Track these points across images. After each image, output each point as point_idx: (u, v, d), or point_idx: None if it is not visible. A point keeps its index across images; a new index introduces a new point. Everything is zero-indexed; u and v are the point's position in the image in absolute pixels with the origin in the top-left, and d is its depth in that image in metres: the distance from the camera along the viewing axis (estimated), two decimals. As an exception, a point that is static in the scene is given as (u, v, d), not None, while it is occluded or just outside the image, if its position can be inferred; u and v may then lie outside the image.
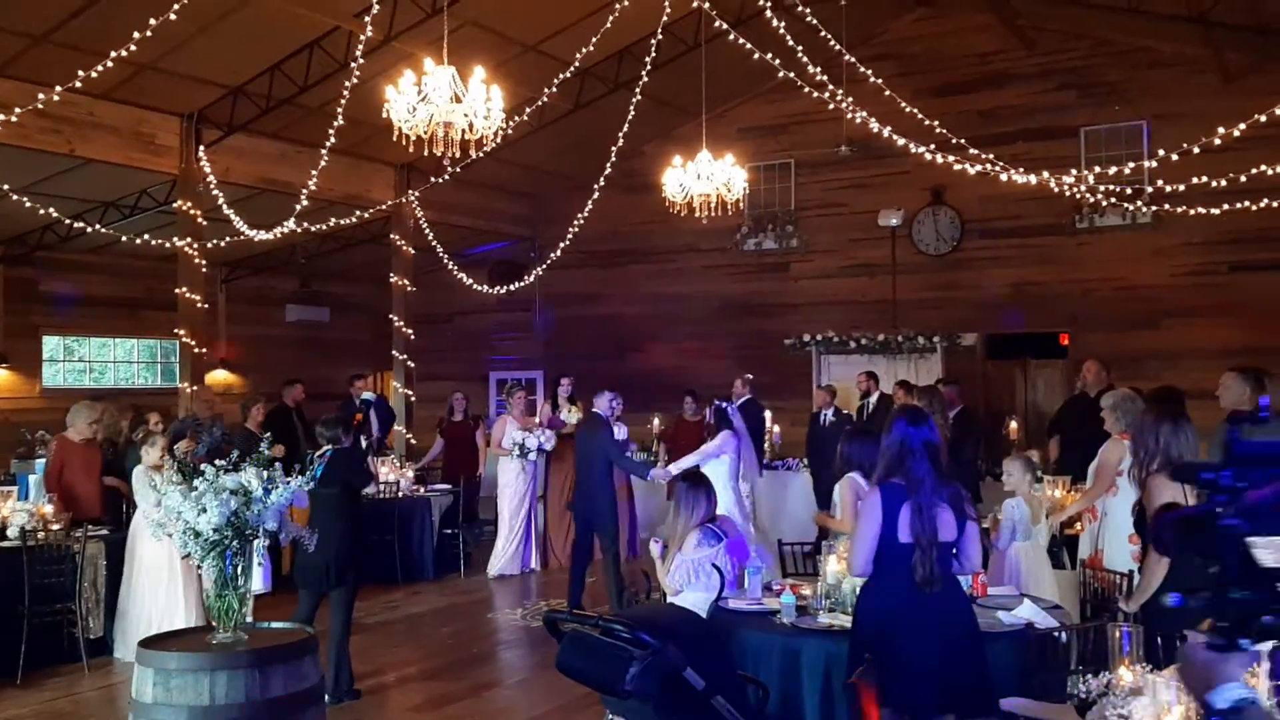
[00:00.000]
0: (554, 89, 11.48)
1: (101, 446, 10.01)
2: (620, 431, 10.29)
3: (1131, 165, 10.62)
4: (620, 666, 3.43)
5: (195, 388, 11.86)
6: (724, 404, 9.70)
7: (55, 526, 7.68)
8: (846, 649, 4.61)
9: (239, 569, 4.34)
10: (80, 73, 9.18)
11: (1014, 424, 12.12)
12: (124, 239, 13.05)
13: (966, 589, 5.16)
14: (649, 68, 10.94)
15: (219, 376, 16.11)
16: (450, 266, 14.75)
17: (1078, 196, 12.07)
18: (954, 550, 4.37)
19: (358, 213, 13.50)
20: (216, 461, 4.39)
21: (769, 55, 10.29)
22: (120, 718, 6.12)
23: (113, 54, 9.12)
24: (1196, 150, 9.39)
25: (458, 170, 12.14)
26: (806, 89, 10.57)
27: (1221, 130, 9.13)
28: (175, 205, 12.20)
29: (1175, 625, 3.73)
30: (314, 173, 11.09)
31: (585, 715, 6.23)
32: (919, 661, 4.13)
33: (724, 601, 5.35)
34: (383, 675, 7.57)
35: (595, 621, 3.68)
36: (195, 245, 12.01)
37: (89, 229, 12.59)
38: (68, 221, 12.39)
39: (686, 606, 4.91)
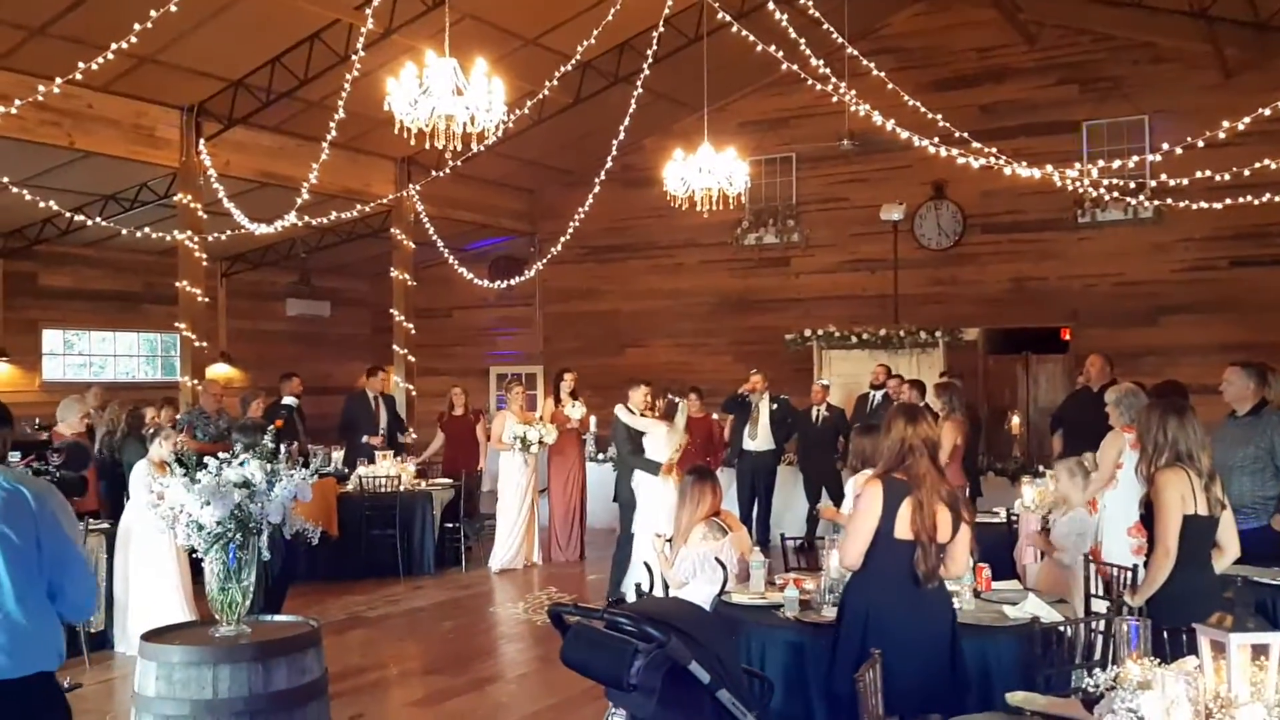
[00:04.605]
0: (554, 83, 11.45)
1: (102, 441, 10.01)
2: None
3: (1134, 160, 10.59)
4: (625, 660, 3.42)
5: (198, 381, 11.85)
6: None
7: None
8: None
9: (242, 562, 4.33)
10: (80, 65, 9.15)
11: (1015, 419, 12.12)
12: (124, 232, 13.04)
13: (970, 583, 5.17)
14: (650, 61, 10.92)
15: (219, 370, 16.09)
16: (450, 261, 14.74)
17: (1079, 191, 12.05)
18: (942, 552, 4.36)
19: (358, 207, 13.49)
20: (220, 455, 4.38)
21: (771, 48, 10.26)
22: (122, 711, 6.12)
23: (113, 46, 9.10)
24: (1201, 144, 9.37)
25: (458, 164, 12.11)
26: (808, 82, 10.55)
27: (1226, 124, 9.11)
28: (175, 199, 12.19)
29: (1182, 618, 3.73)
30: (314, 166, 11.07)
31: (588, 709, 6.21)
32: (903, 658, 4.09)
33: (727, 595, 5.34)
34: (384, 669, 7.56)
35: (600, 615, 3.67)
36: (195, 239, 11.99)
37: (89, 222, 12.58)
38: (68, 214, 12.37)
39: (691, 600, 4.90)
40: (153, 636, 4.39)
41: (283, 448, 4.83)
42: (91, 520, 7.90)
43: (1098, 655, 4.76)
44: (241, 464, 4.31)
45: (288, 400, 11.53)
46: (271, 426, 5.25)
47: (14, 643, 3.21)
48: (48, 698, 3.33)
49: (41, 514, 3.28)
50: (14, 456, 7.30)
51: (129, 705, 4.33)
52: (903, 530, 4.25)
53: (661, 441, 9.01)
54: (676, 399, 9.44)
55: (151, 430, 8.51)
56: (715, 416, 12.41)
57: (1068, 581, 6.09)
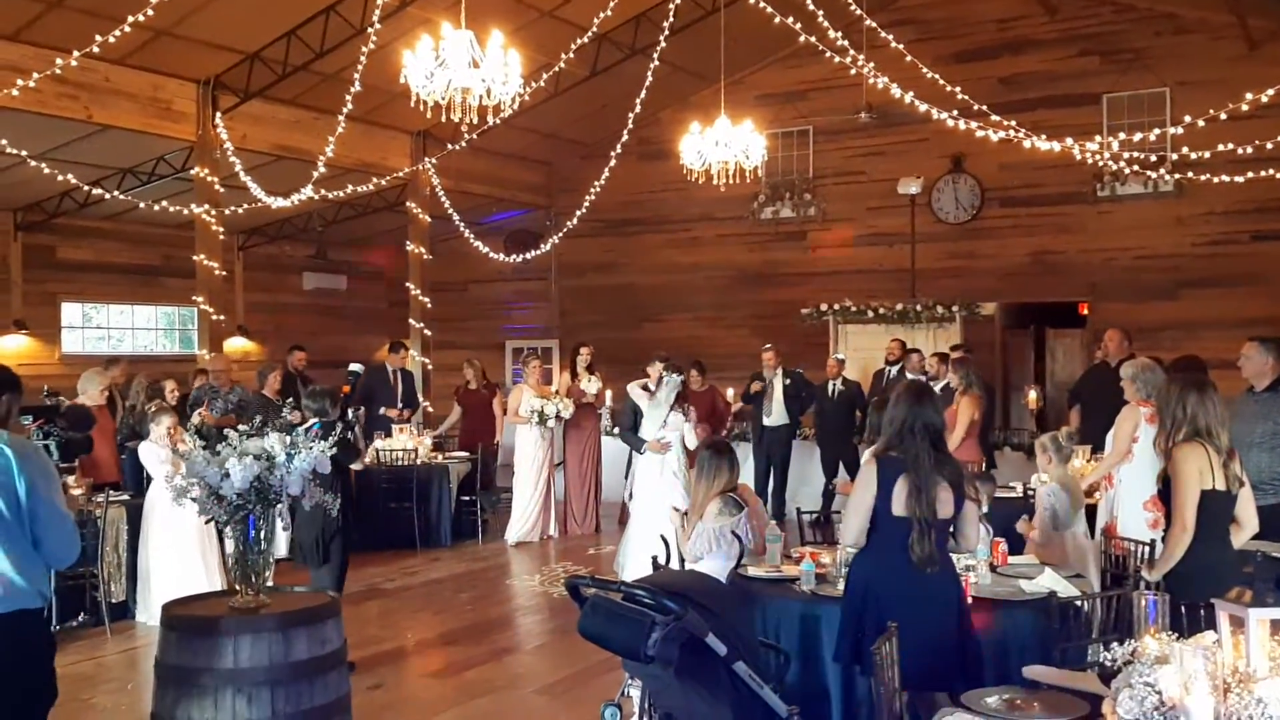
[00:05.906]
0: (571, 55, 11.40)
1: (128, 412, 10.10)
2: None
3: (1155, 133, 10.48)
4: (642, 632, 3.44)
5: (213, 355, 11.90)
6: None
7: (76, 492, 7.73)
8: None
9: (262, 533, 4.36)
10: (97, 38, 9.16)
11: (1032, 394, 12.06)
12: (141, 205, 13.07)
13: (985, 558, 5.17)
14: (666, 33, 10.86)
15: (237, 344, 16.16)
16: (466, 234, 14.73)
17: (1099, 164, 11.95)
18: (950, 528, 4.35)
19: (374, 180, 13.49)
20: (240, 426, 4.40)
21: (789, 19, 10.19)
22: (143, 680, 6.19)
23: (129, 19, 9.10)
24: (1223, 117, 9.27)
25: (474, 138, 12.09)
26: (826, 54, 10.47)
27: (1249, 96, 9.01)
28: (192, 172, 12.22)
29: (1200, 593, 3.72)
30: (331, 139, 11.07)
31: (604, 680, 6.25)
32: (904, 634, 4.01)
33: (742, 568, 5.36)
34: (402, 640, 7.62)
35: (617, 587, 3.69)
36: (212, 212, 12.02)
37: (107, 195, 12.61)
38: (85, 188, 12.41)
39: (707, 573, 4.92)
40: (174, 606, 4.43)
41: (350, 411, 4.92)
42: (113, 492, 7.97)
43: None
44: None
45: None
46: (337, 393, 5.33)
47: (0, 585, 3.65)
48: (32, 631, 3.80)
49: (22, 473, 3.65)
50: (25, 421, 7.42)
51: (150, 675, 4.37)
52: (899, 508, 4.24)
53: (645, 416, 9.08)
54: (666, 373, 9.33)
55: (152, 408, 8.49)
56: (731, 394, 12.40)
57: (1043, 556, 6.05)
